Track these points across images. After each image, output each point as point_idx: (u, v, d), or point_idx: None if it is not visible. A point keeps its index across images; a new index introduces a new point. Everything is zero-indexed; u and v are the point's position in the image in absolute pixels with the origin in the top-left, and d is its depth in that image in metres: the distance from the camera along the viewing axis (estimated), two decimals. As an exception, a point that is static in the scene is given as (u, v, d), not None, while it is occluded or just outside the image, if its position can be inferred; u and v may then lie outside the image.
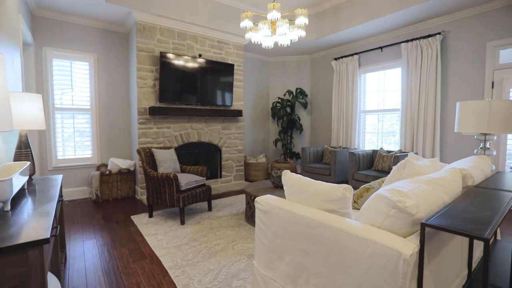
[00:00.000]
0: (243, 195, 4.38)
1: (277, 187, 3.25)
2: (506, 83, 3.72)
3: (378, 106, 5.16)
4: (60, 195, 1.91)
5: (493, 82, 3.80)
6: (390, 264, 0.96)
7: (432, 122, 4.26)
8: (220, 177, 5.11)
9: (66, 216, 3.34)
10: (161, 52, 4.08)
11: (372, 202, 1.19)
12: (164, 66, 4.12)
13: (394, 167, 2.55)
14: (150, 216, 3.31)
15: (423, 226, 0.97)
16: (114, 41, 4.41)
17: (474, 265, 1.71)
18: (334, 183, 4.60)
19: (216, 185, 5.01)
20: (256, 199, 1.61)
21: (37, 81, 3.83)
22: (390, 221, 1.09)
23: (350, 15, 4.55)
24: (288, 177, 1.56)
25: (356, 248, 1.07)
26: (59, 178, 2.01)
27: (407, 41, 4.51)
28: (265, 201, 1.55)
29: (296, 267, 1.34)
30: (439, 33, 4.15)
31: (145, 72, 4.11)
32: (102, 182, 4.04)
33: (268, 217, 1.51)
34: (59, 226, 1.36)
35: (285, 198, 1.63)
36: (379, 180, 2.10)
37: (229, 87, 4.93)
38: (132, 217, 3.33)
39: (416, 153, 4.17)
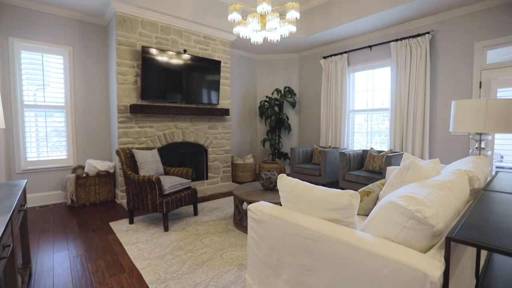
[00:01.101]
0: (231, 198, 4.19)
1: (267, 190, 3.09)
2: (493, 83, 3.73)
3: (367, 105, 5.11)
4: (22, 204, 1.67)
5: (480, 82, 3.81)
6: (414, 287, 0.81)
7: (421, 122, 4.24)
8: (207, 178, 4.89)
9: (36, 224, 3.04)
10: (143, 47, 3.82)
11: (383, 211, 1.05)
12: (146, 61, 3.86)
13: (394, 169, 2.45)
14: (131, 222, 3.07)
15: (449, 240, 0.84)
16: (91, 34, 4.11)
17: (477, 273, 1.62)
18: (324, 184, 4.52)
19: (202, 187, 4.80)
20: (249, 206, 1.44)
21: (2, 75, 3.48)
22: (406, 233, 0.95)
23: (340, 12, 4.46)
24: (285, 182, 1.40)
25: (370, 266, 0.92)
26: (21, 183, 1.76)
27: (396, 40, 4.47)
28: (259, 209, 1.39)
29: (296, 285, 1.18)
30: (428, 33, 4.13)
31: (125, 68, 3.84)
32: (78, 186, 3.74)
33: (263, 227, 1.34)
34: (12, 245, 1.13)
35: (280, 205, 1.47)
36: (378, 182, 1.98)
37: (215, 85, 4.72)
38: (111, 223, 3.07)
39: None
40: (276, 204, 3.13)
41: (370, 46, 4.86)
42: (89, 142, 4.15)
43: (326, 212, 1.21)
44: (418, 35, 4.21)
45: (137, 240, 2.61)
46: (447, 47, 4.06)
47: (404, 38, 4.37)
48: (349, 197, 1.15)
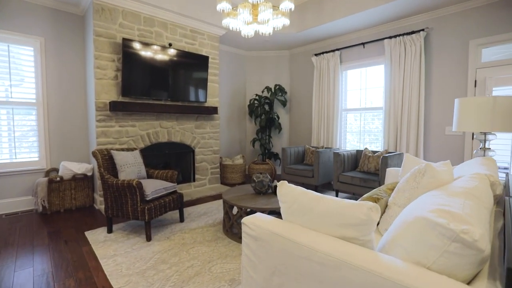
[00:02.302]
0: (220, 201, 3.95)
1: (259, 194, 2.87)
2: (489, 82, 3.66)
3: (360, 104, 4.98)
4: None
5: (475, 81, 3.74)
6: None
7: (415, 121, 4.13)
8: (194, 180, 4.62)
9: None
10: (123, 39, 3.51)
11: (412, 228, 0.85)
12: (127, 55, 3.56)
13: (393, 170, 2.28)
14: (109, 231, 2.77)
15: None
16: (66, 24, 3.75)
17: None
18: (317, 185, 4.34)
19: (189, 190, 4.53)
20: (244, 220, 1.21)
21: (-37, 67, 3.10)
22: (448, 259, 0.76)
23: (333, 7, 4.30)
24: (286, 191, 1.18)
25: (405, 305, 0.72)
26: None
27: (390, 37, 4.35)
28: (256, 224, 1.16)
29: (304, 319, 0.97)
30: (422, 30, 4.03)
31: (104, 61, 3.52)
32: (51, 191, 3.40)
33: (261, 246, 1.12)
34: None
35: (279, 214, 1.25)
36: (384, 187, 1.80)
37: (203, 82, 4.46)
38: (86, 233, 2.77)
39: (401, 153, 4.00)
40: (272, 211, 2.91)
41: (363, 44, 4.72)
42: (64, 142, 3.80)
43: (338, 229, 1.00)
44: (413, 32, 4.10)
45: (115, 253, 2.33)
46: (442, 45, 3.97)
47: (398, 35, 4.25)
48: (368, 211, 0.94)
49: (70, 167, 3.57)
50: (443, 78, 3.98)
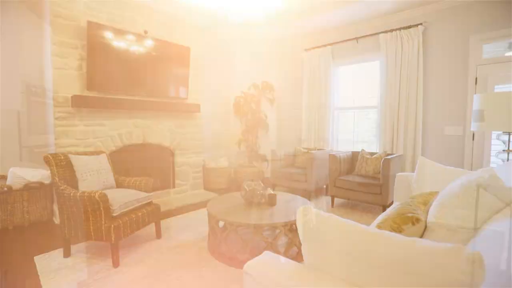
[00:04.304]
0: (204, 210, 3.48)
1: (251, 204, 2.46)
2: (490, 80, 3.46)
3: (354, 103, 4.69)
4: None
5: (476, 78, 3.54)
6: None
7: (413, 121, 3.89)
8: (173, 187, 4.12)
9: None
10: (89, 22, 2.97)
11: None
12: (94, 42, 3.02)
13: (405, 176, 1.95)
14: (66, 255, 2.24)
15: None
16: (15, 1, 3.15)
17: None
18: (310, 190, 3.98)
19: (168, 198, 4.02)
20: (246, 268, 0.79)
21: None
22: None
23: (327, -3, 3.96)
24: (315, 222, 0.77)
25: None
26: None
27: (386, 31, 4.09)
28: (269, 277, 0.74)
29: None
30: (420, 24, 3.79)
31: (65, 48, 2.96)
32: (-4, 203, 2.79)
33: (280, 312, 0.71)
34: None
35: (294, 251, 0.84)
36: (414, 200, 1.45)
37: (184, 76, 3.97)
38: (36, 258, 2.22)
39: (401, 155, 3.73)
40: (270, 227, 2.46)
41: (356, 38, 4.43)
42: (14, 144, 3.19)
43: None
44: (410, 26, 3.86)
45: (70, 287, 1.82)
46: (441, 40, 3.74)
47: (395, 30, 4.00)
48: (469, 266, 0.55)
49: (22, 174, 2.97)
50: (442, 76, 3.76)
